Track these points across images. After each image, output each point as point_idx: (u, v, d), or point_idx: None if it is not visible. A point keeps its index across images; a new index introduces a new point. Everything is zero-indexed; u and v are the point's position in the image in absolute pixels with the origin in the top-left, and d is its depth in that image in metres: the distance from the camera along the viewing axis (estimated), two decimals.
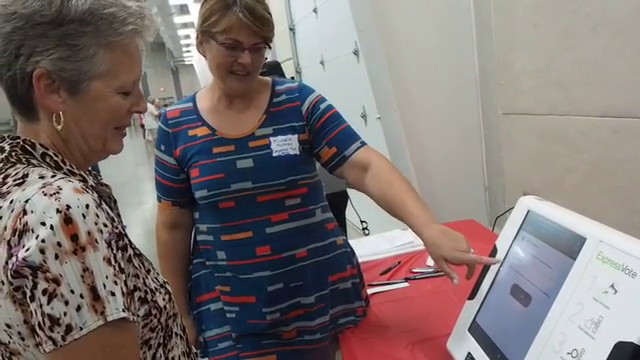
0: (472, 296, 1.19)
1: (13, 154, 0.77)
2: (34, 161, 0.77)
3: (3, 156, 0.77)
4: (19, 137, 0.79)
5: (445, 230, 1.14)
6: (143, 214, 6.68)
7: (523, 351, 0.94)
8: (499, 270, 1.14)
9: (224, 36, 1.23)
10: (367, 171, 1.32)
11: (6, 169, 0.76)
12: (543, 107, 2.01)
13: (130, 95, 0.83)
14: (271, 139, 1.32)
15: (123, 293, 0.71)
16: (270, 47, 1.30)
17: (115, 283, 0.70)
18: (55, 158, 0.79)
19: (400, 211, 1.22)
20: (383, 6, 2.33)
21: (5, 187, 0.74)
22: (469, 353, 1.11)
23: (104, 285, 0.68)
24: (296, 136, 1.34)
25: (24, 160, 0.77)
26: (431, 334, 1.35)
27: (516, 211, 1.16)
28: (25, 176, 0.74)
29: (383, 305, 1.56)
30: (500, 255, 1.15)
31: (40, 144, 0.78)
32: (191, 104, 1.39)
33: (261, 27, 1.24)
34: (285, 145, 1.33)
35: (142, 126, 15.18)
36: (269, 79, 1.42)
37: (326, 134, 1.36)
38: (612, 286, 0.82)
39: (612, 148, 1.73)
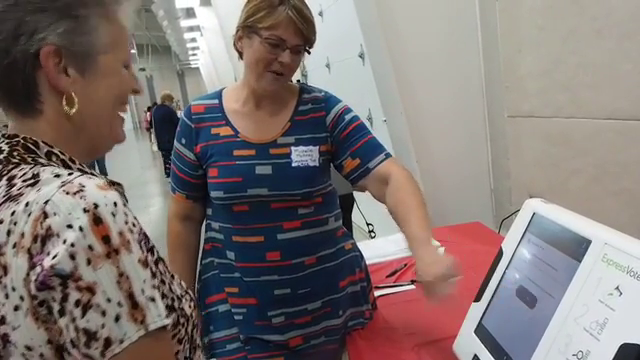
0: (478, 298, 1.20)
1: (15, 154, 0.70)
2: (41, 160, 0.70)
3: (2, 157, 0.70)
4: (17, 135, 0.71)
5: (437, 255, 1.13)
6: (149, 217, 6.72)
7: (529, 353, 0.95)
8: (505, 272, 1.15)
9: (269, 32, 1.23)
10: (387, 185, 1.31)
11: (8, 170, 0.69)
12: (549, 110, 2.01)
13: (129, 70, 0.79)
14: (292, 148, 1.33)
15: (162, 297, 0.65)
16: (309, 52, 1.30)
17: (153, 287, 0.64)
18: (62, 157, 0.72)
19: (403, 229, 1.23)
20: (389, 9, 2.34)
21: (15, 189, 0.66)
22: (475, 355, 1.12)
23: (142, 290, 0.62)
24: (317, 147, 1.34)
25: (30, 160, 0.69)
26: (437, 336, 1.36)
27: (522, 213, 1.17)
28: (36, 176, 0.66)
29: (390, 307, 1.57)
30: (506, 257, 1.16)
31: (43, 142, 0.71)
32: (217, 101, 1.39)
33: (307, 28, 1.25)
34: (305, 156, 1.33)
35: (148, 129, 15.21)
36: (297, 85, 1.43)
37: (350, 145, 1.36)
38: (617, 288, 0.82)
39: (618, 151, 1.74)
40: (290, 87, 1.41)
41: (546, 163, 2.10)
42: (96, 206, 0.61)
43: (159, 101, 10.02)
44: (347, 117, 1.38)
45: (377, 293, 1.63)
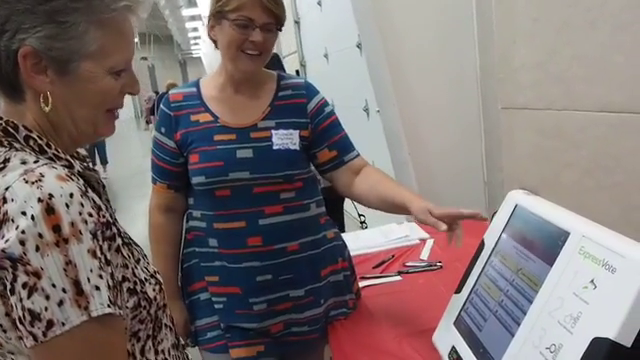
0: (459, 290, 1.19)
1: None
2: (17, 144, 0.73)
3: None
4: (1, 118, 0.74)
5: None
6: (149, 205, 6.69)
7: (504, 345, 0.94)
8: (486, 264, 1.13)
9: (236, 14, 1.25)
10: (358, 175, 1.40)
11: None
12: (542, 102, 1.99)
13: (122, 76, 0.79)
14: (273, 132, 1.34)
15: (109, 287, 0.68)
16: (281, 30, 1.32)
17: (100, 277, 0.67)
18: (39, 141, 0.74)
19: (394, 196, 1.27)
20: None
21: None
22: (453, 347, 1.11)
23: (88, 279, 0.66)
24: (298, 132, 1.36)
25: (6, 143, 0.73)
26: (420, 327, 1.35)
27: (505, 205, 1.16)
28: (6, 160, 0.71)
29: (375, 298, 1.56)
30: (488, 248, 1.15)
31: (24, 126, 0.74)
32: (195, 89, 1.40)
33: (273, 5, 1.26)
34: (286, 139, 1.34)
35: (147, 122, 15.15)
36: (275, 73, 1.44)
37: (328, 137, 1.40)
38: (592, 281, 0.81)
39: (610, 144, 1.72)
40: (268, 74, 1.43)
41: (539, 156, 2.08)
42: (51, 196, 0.65)
43: (162, 90, 10.01)
44: (327, 109, 1.42)
45: (363, 284, 1.62)
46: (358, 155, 1.43)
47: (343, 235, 1.61)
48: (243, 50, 1.28)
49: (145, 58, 25.65)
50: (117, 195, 8.41)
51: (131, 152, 12.89)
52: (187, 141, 1.34)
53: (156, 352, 0.82)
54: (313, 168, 1.46)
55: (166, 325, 0.86)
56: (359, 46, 3.57)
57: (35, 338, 0.65)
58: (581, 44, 1.75)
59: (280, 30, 1.32)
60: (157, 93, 12.03)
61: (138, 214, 5.97)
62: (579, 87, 1.80)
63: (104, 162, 9.55)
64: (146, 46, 25.50)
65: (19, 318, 0.65)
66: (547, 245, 0.95)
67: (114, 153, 10.28)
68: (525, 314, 0.93)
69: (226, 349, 1.37)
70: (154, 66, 27.10)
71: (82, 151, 0.89)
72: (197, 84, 1.42)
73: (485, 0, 2.26)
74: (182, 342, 0.95)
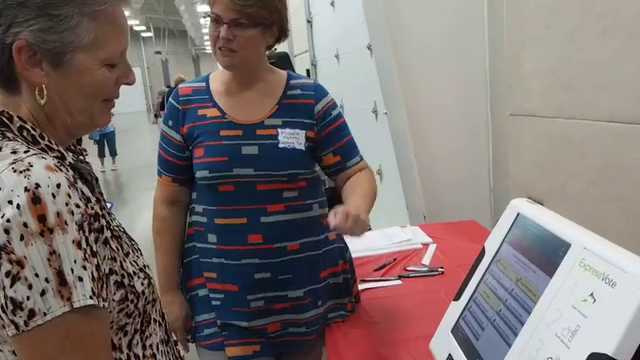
0: (457, 297, 1.18)
1: None
2: (10, 134, 0.74)
3: None
4: None
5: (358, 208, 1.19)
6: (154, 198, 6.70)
7: (501, 356, 0.93)
8: (485, 272, 1.12)
9: (210, 11, 1.29)
10: (350, 179, 1.41)
11: None
12: (550, 109, 1.96)
13: (117, 67, 0.80)
14: (279, 130, 1.34)
15: (93, 278, 0.68)
16: (262, 25, 1.28)
17: (84, 268, 0.67)
18: (33, 132, 0.75)
19: (347, 201, 1.27)
20: (394, 1, 2.30)
21: None
22: (450, 355, 1.10)
23: (72, 270, 0.66)
24: (304, 132, 1.36)
25: None
26: (417, 333, 1.33)
27: (506, 213, 1.15)
28: None
29: (374, 301, 1.55)
30: (488, 256, 1.14)
31: (18, 117, 0.75)
32: (204, 84, 1.41)
33: (237, 2, 1.24)
34: (292, 138, 1.34)
35: (156, 115, 15.17)
36: (284, 72, 1.44)
37: (334, 142, 1.40)
38: (591, 295, 0.79)
39: (617, 154, 1.69)
40: (277, 72, 1.42)
41: (545, 164, 2.06)
42: (37, 186, 0.65)
43: (173, 85, 10.05)
44: (334, 112, 1.41)
45: (363, 286, 1.61)
46: (360, 160, 1.44)
47: (345, 236, 1.60)
48: (220, 47, 1.29)
49: (159, 52, 25.75)
50: (125, 187, 8.45)
51: (141, 145, 12.95)
52: (193, 135, 1.35)
53: (144, 347, 0.82)
54: (318, 169, 1.45)
55: (155, 320, 0.85)
56: (370, 47, 3.55)
57: (17, 327, 0.65)
58: (592, 51, 1.72)
59: (261, 26, 1.28)
60: (169, 87, 12.13)
61: (145, 206, 5.95)
62: (588, 95, 1.78)
63: (113, 154, 9.59)
64: (160, 40, 25.60)
65: (1, 306, 0.65)
66: (547, 256, 0.93)
67: (124, 145, 10.31)
68: (523, 325, 0.91)
69: (222, 347, 1.36)
70: (167, 60, 27.18)
71: (87, 142, 0.89)
72: (207, 79, 1.43)
73: (496, 4, 2.23)
74: (173, 338, 0.94)
